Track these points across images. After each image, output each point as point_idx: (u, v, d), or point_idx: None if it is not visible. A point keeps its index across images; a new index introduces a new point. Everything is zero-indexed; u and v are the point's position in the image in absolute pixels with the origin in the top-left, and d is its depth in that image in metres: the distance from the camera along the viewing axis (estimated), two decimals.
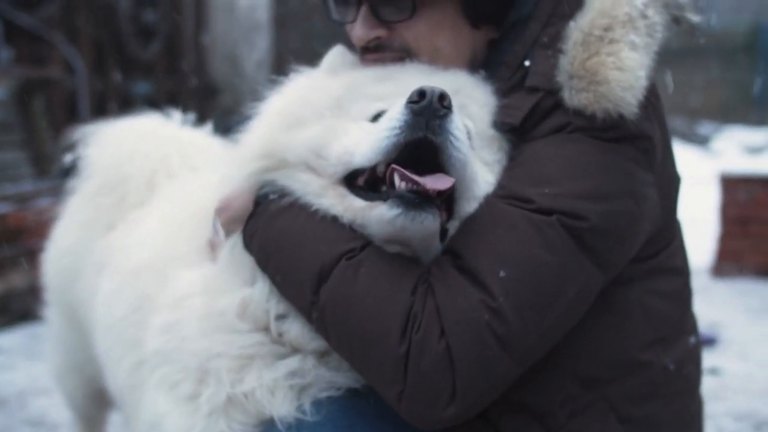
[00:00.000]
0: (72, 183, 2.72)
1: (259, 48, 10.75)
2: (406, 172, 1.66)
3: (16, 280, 5.97)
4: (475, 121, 1.88)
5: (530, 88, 1.86)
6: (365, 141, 1.74)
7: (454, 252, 1.76)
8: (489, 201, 1.79)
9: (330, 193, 1.80)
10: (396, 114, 1.69)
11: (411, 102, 1.66)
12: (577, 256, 1.73)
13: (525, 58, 1.91)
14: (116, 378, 2.20)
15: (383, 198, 1.71)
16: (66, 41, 8.47)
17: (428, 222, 1.68)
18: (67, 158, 2.77)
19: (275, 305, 1.87)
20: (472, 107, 1.89)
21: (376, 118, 1.81)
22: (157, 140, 2.52)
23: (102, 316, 2.25)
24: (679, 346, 2.02)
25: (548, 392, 1.86)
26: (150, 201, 2.37)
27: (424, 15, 1.93)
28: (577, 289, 1.75)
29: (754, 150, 13.16)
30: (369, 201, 1.74)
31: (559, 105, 1.82)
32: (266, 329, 1.88)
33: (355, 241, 1.76)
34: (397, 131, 1.67)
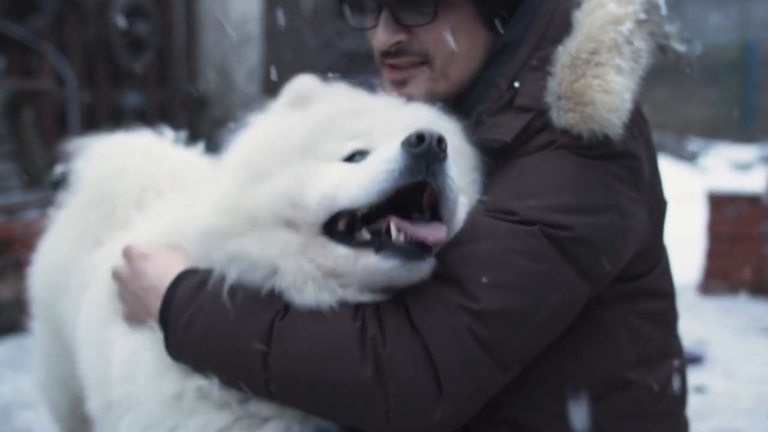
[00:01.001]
0: (61, 196, 2.72)
1: (249, 60, 10.77)
2: (408, 225, 1.65)
3: (3, 291, 5.95)
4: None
5: (520, 108, 1.90)
6: (352, 182, 1.69)
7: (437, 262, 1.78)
8: (472, 217, 1.82)
9: (312, 247, 1.73)
10: (393, 156, 1.65)
11: (410, 145, 1.63)
12: (561, 265, 1.76)
13: (515, 80, 1.95)
14: (93, 404, 2.18)
15: (374, 247, 1.68)
16: (56, 52, 8.47)
17: (425, 270, 1.70)
18: (58, 171, 2.77)
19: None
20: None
21: (351, 157, 1.78)
22: (147, 158, 2.51)
23: (83, 336, 2.24)
24: (663, 367, 2.05)
25: (534, 410, 1.87)
26: (135, 221, 2.33)
27: (443, 19, 1.96)
28: (561, 297, 1.78)
29: (742, 166, 13.28)
30: (355, 248, 1.70)
31: (547, 125, 1.86)
32: (231, 406, 1.82)
33: (278, 303, 1.76)
34: (396, 175, 1.64)
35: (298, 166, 1.75)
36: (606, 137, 1.82)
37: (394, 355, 1.68)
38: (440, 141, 1.64)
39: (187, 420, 1.80)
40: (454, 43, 1.98)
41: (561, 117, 1.84)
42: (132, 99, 9.58)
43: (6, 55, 7.90)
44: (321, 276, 1.73)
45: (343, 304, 1.74)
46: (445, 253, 1.77)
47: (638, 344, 1.98)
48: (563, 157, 1.83)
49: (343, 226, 1.73)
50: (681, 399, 2.12)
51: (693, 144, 14.81)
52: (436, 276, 1.75)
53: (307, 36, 10.64)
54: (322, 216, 1.72)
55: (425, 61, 2.00)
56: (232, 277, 1.75)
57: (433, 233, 1.66)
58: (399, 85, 2.04)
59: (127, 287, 1.97)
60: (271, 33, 11.11)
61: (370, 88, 2.41)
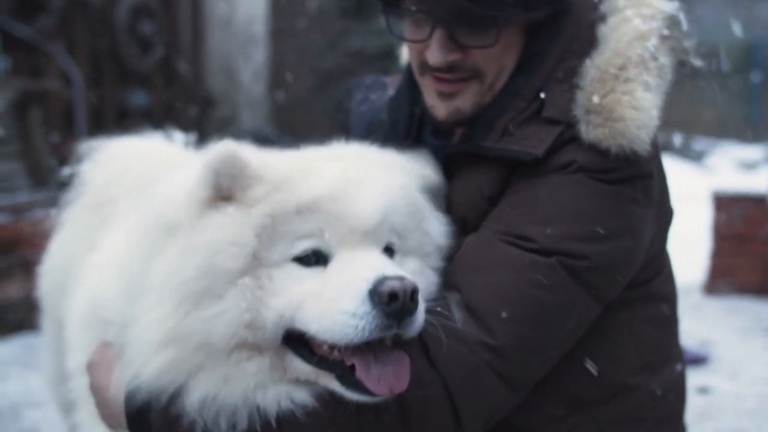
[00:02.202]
0: (66, 197, 2.75)
1: (255, 60, 10.79)
2: (372, 377, 1.59)
3: (11, 290, 5.99)
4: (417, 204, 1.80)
5: (548, 120, 1.92)
6: (312, 313, 1.58)
7: (456, 289, 1.80)
8: (489, 239, 1.84)
9: (276, 362, 1.64)
10: (361, 311, 1.54)
11: (381, 302, 1.53)
12: (576, 293, 1.81)
13: (540, 91, 1.96)
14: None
15: (337, 374, 1.62)
16: (63, 52, 8.51)
17: (387, 398, 1.64)
18: (65, 171, 2.79)
19: None
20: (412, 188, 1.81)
21: (304, 259, 1.64)
22: (151, 163, 2.52)
23: (72, 340, 2.25)
24: (665, 372, 2.07)
25: (537, 413, 1.89)
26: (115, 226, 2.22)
27: (501, 39, 1.96)
28: (575, 322, 1.84)
29: (748, 166, 13.25)
30: (316, 368, 1.64)
31: (575, 138, 1.89)
32: None
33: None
34: (366, 332, 1.54)
35: (246, 279, 1.59)
36: (634, 153, 1.85)
37: (415, 394, 1.67)
38: (413, 294, 1.56)
39: None
40: (505, 60, 1.99)
41: (590, 132, 1.87)
42: (138, 98, 9.62)
43: (13, 55, 7.95)
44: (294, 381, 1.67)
45: None
46: (466, 276, 1.81)
47: (642, 349, 2.01)
48: (580, 183, 1.86)
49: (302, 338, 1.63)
50: (681, 404, 2.15)
51: (699, 143, 14.80)
52: (459, 303, 1.77)
53: (313, 36, 10.66)
54: (281, 334, 1.62)
55: (475, 75, 1.99)
56: (206, 422, 1.63)
57: (397, 384, 1.60)
58: (447, 98, 2.03)
59: (96, 402, 1.88)
60: (276, 33, 11.14)
61: (382, 87, 2.41)
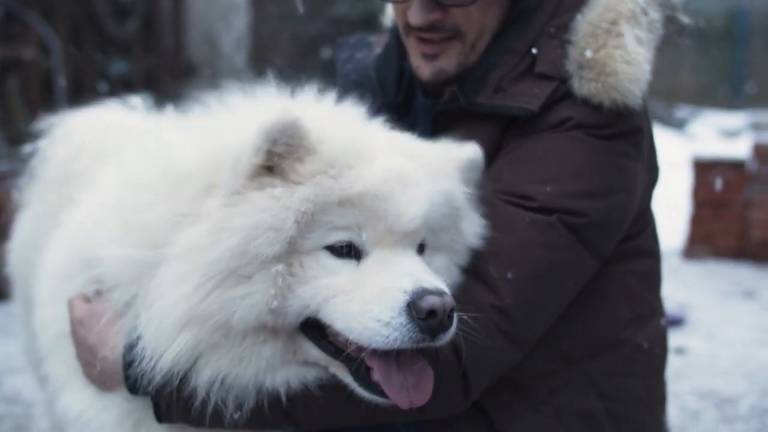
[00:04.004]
0: (29, 174, 2.72)
1: (236, 28, 10.70)
2: (391, 385, 1.58)
3: None
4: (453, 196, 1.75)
5: (541, 75, 1.95)
6: (340, 311, 1.56)
7: None
8: (491, 200, 1.86)
9: (289, 346, 1.63)
10: (396, 323, 1.51)
11: (419, 317, 1.51)
12: (576, 250, 1.85)
13: (532, 46, 1.99)
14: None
15: (350, 369, 1.62)
16: (41, 20, 8.40)
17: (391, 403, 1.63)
18: (29, 150, 2.76)
19: None
20: (444, 179, 1.76)
21: (337, 249, 1.60)
22: (110, 133, 2.47)
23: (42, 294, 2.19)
24: (652, 325, 2.13)
25: (531, 368, 1.93)
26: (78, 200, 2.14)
27: None
28: (574, 279, 1.88)
29: (730, 134, 13.30)
30: (329, 356, 1.63)
31: (568, 94, 1.91)
32: None
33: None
34: (397, 343, 1.52)
35: (280, 266, 1.55)
36: (626, 107, 1.88)
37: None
38: (451, 311, 1.54)
39: None
40: (486, 20, 2.01)
41: (583, 86, 1.90)
42: (118, 66, 9.54)
43: None
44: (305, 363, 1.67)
45: None
46: None
47: (632, 303, 2.06)
48: (577, 140, 1.89)
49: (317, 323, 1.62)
50: (664, 358, 2.21)
51: (681, 111, 14.82)
52: (467, 270, 1.80)
53: (295, 3, 10.56)
54: (302, 320, 1.61)
55: (456, 35, 2.01)
56: (214, 400, 1.63)
57: (417, 397, 1.59)
58: (430, 59, 2.05)
59: (79, 356, 1.86)
60: (258, 0, 11.04)
61: (368, 45, 2.41)
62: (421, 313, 1.50)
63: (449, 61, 2.04)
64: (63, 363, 1.92)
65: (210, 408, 1.62)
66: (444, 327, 1.53)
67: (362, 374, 1.60)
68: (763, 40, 15.65)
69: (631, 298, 2.06)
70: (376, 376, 1.58)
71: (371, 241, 1.60)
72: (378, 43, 2.38)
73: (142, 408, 1.76)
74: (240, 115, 1.70)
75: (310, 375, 1.67)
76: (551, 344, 1.93)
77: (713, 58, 15.72)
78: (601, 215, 1.86)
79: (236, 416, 1.64)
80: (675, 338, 5.15)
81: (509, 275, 1.78)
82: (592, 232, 1.86)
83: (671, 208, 7.59)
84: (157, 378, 1.62)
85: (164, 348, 1.58)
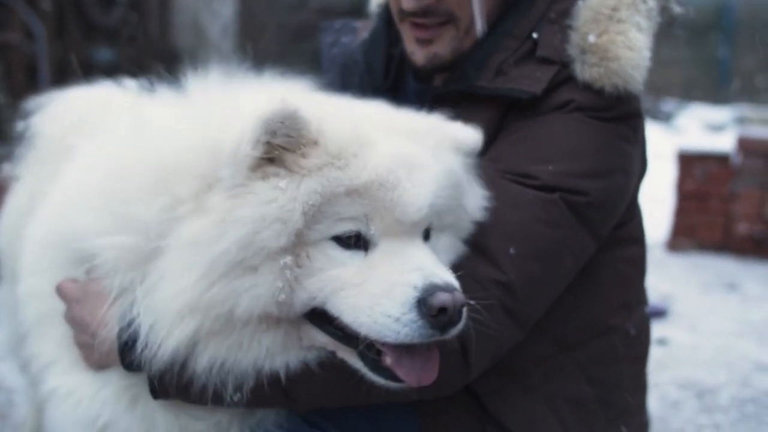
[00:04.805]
0: (20, 151, 2.70)
1: (223, 16, 10.65)
2: (402, 368, 1.58)
3: None
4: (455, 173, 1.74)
5: (543, 59, 1.96)
6: (348, 304, 1.55)
7: None
8: (493, 178, 1.86)
9: (292, 333, 1.63)
10: (407, 319, 1.51)
11: (430, 314, 1.51)
12: (576, 229, 1.87)
13: (533, 31, 2.01)
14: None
15: (359, 351, 1.60)
16: (25, 5, 8.33)
17: (401, 387, 1.64)
18: (21, 126, 2.75)
19: None
20: (448, 154, 1.76)
21: (344, 240, 1.59)
22: (104, 109, 2.47)
23: (27, 265, 2.13)
24: (638, 312, 2.17)
25: (525, 352, 1.94)
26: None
27: None
28: (574, 258, 1.90)
29: (716, 127, 13.36)
30: (337, 341, 1.63)
31: (570, 78, 1.94)
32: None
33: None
34: (407, 339, 1.52)
35: (287, 258, 1.54)
36: (627, 92, 1.91)
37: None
38: (461, 307, 1.55)
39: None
40: (479, 2, 2.01)
41: (585, 71, 1.92)
42: (104, 53, 9.48)
43: None
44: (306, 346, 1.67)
45: None
46: None
47: (622, 289, 2.09)
48: (579, 122, 1.91)
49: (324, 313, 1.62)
50: (648, 345, 2.24)
51: (668, 105, 14.87)
52: (470, 243, 1.81)
53: None
54: (307, 311, 1.60)
55: (450, 20, 2.03)
56: (213, 382, 1.63)
57: (425, 376, 1.60)
58: (425, 44, 2.06)
59: (75, 337, 1.85)
60: None
61: (353, 31, 2.41)
62: (432, 311, 1.50)
63: (443, 46, 2.05)
64: (51, 341, 1.90)
65: (210, 390, 1.63)
66: (454, 322, 1.54)
67: (370, 356, 1.60)
68: (749, 35, 15.71)
69: (622, 284, 2.09)
70: (387, 360, 1.58)
71: (379, 231, 1.59)
72: (364, 29, 2.38)
73: (139, 384, 1.76)
74: (233, 103, 1.67)
75: (311, 355, 1.67)
76: (545, 329, 1.95)
77: (700, 52, 15.78)
78: (601, 195, 1.89)
79: (236, 398, 1.64)
80: (657, 329, 5.16)
81: (512, 251, 1.79)
82: (593, 211, 1.88)
83: (656, 200, 7.62)
84: (157, 364, 1.61)
85: (165, 336, 1.57)
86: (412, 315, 1.51)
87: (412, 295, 1.52)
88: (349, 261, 1.58)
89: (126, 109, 2.38)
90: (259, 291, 1.53)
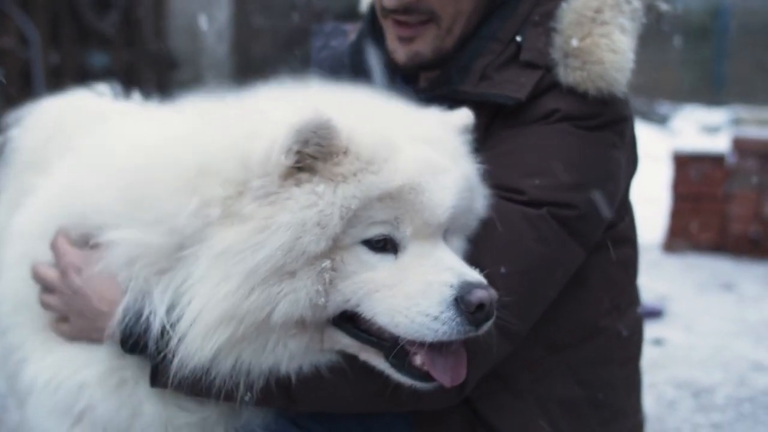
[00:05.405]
0: (5, 160, 2.69)
1: (218, 21, 10.65)
2: (436, 367, 1.61)
3: None
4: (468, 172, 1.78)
5: (527, 63, 1.95)
6: (383, 305, 1.59)
7: None
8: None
9: (315, 338, 1.65)
10: (446, 316, 1.56)
11: (468, 311, 1.56)
12: (566, 242, 1.87)
13: (516, 34, 1.99)
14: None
15: (384, 351, 1.64)
16: (20, 10, 8.32)
17: (428, 389, 1.67)
18: (3, 136, 2.74)
19: None
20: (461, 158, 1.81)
21: (374, 244, 1.62)
22: (81, 118, 2.45)
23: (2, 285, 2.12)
24: (629, 313, 2.15)
25: (515, 357, 1.93)
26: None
27: None
28: (565, 270, 1.90)
29: (711, 129, 13.37)
30: (363, 343, 1.66)
31: (554, 83, 1.92)
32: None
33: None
34: (445, 336, 1.57)
35: (326, 262, 1.57)
36: (611, 95, 1.90)
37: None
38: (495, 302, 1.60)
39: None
40: (461, 3, 2.01)
41: (569, 75, 1.91)
42: (99, 59, 9.46)
43: None
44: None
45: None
46: None
47: (612, 291, 2.08)
48: (565, 133, 1.90)
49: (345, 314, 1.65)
50: (641, 345, 2.24)
51: (663, 107, 14.89)
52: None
53: None
54: (337, 314, 1.63)
55: (432, 18, 2.02)
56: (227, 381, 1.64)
57: (456, 376, 1.64)
58: (407, 42, 2.06)
59: (68, 304, 1.82)
60: None
61: (343, 34, 2.42)
62: (471, 307, 1.55)
63: (424, 45, 2.05)
64: (29, 328, 1.89)
65: (221, 387, 1.63)
66: (489, 318, 1.59)
67: (399, 358, 1.63)
68: (744, 37, 15.75)
69: (611, 286, 2.08)
70: (419, 360, 1.62)
71: (409, 234, 1.63)
72: (353, 31, 2.38)
73: (129, 368, 1.75)
74: (259, 109, 1.70)
75: (323, 359, 1.68)
76: (536, 332, 1.94)
77: (695, 54, 15.81)
78: (589, 206, 1.88)
79: (247, 397, 1.65)
80: (653, 330, 5.21)
81: (503, 270, 1.79)
82: (581, 223, 1.87)
83: (652, 202, 7.65)
84: (186, 371, 1.61)
85: (201, 344, 1.58)
86: (451, 313, 1.56)
87: (449, 293, 1.57)
88: (380, 264, 1.61)
89: (106, 116, 2.38)
90: (298, 295, 1.55)
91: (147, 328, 1.65)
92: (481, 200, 1.82)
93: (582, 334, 2.04)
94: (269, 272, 1.53)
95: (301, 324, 1.60)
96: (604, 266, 2.04)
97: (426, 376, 1.63)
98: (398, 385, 1.69)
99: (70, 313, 1.82)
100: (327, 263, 1.56)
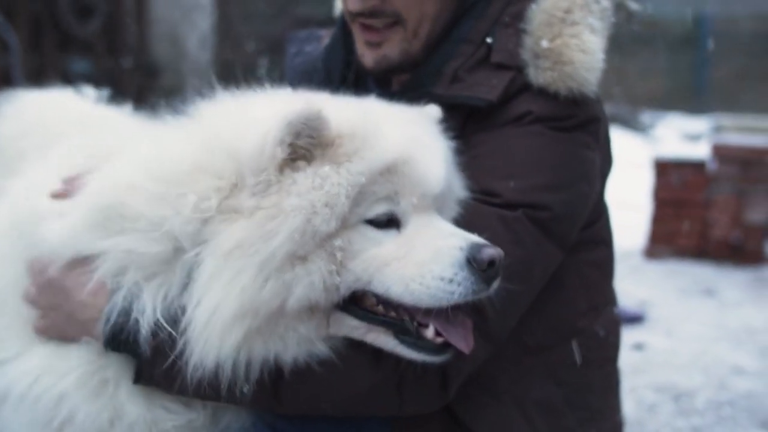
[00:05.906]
0: None
1: (201, 28, 10.64)
2: (451, 333, 1.63)
3: None
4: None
5: (497, 65, 1.95)
6: (394, 276, 1.60)
7: None
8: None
9: (322, 323, 1.64)
10: (460, 276, 1.59)
11: (480, 269, 1.59)
12: (542, 244, 1.87)
13: (487, 35, 1.99)
14: None
15: (393, 329, 1.65)
16: (1, 16, 8.28)
17: (440, 361, 1.68)
18: None
19: None
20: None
21: (377, 222, 1.64)
22: (62, 116, 2.44)
23: None
24: (606, 313, 2.15)
25: (493, 359, 1.92)
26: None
27: None
28: (542, 272, 1.90)
29: (693, 137, 13.47)
30: (367, 322, 1.66)
31: (525, 85, 1.92)
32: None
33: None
34: (461, 297, 1.60)
35: (338, 241, 1.58)
36: (582, 95, 1.91)
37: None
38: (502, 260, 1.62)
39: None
40: (425, 6, 2.00)
41: (539, 75, 1.91)
42: (80, 65, 9.44)
43: None
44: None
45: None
46: None
47: (589, 292, 2.08)
48: (538, 134, 1.90)
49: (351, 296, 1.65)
50: (618, 346, 2.23)
51: (645, 115, 14.99)
52: None
53: (260, 2, 10.54)
54: (348, 295, 1.63)
55: (398, 21, 2.01)
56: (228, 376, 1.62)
57: (467, 345, 1.66)
58: (374, 47, 2.05)
59: (49, 298, 1.78)
60: (222, 0, 10.98)
61: (317, 39, 2.41)
62: (483, 265, 1.59)
63: (392, 49, 2.05)
64: (6, 327, 1.84)
65: (224, 385, 1.61)
66: (498, 274, 1.62)
67: (407, 334, 1.64)
68: (725, 45, 15.90)
69: (588, 287, 2.08)
70: (430, 333, 1.63)
71: (409, 208, 1.66)
72: (327, 36, 2.38)
73: (110, 367, 1.72)
74: (241, 110, 1.70)
75: (320, 350, 1.67)
76: (513, 334, 1.93)
77: (677, 62, 15.94)
78: (564, 207, 1.88)
79: (245, 389, 1.63)
80: (635, 335, 5.22)
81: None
82: (557, 224, 1.87)
83: (633, 208, 7.69)
84: (203, 372, 1.59)
85: (219, 344, 1.57)
86: (465, 273, 1.59)
87: (460, 255, 1.60)
88: (386, 239, 1.64)
89: (85, 117, 2.37)
90: (312, 278, 1.56)
91: (135, 328, 1.63)
92: (458, 181, 1.84)
93: (560, 335, 2.04)
94: (283, 259, 1.53)
95: (310, 310, 1.59)
96: (580, 267, 2.04)
97: (437, 349, 1.64)
98: (383, 388, 1.70)
99: (44, 307, 1.78)
100: (339, 242, 1.58)
